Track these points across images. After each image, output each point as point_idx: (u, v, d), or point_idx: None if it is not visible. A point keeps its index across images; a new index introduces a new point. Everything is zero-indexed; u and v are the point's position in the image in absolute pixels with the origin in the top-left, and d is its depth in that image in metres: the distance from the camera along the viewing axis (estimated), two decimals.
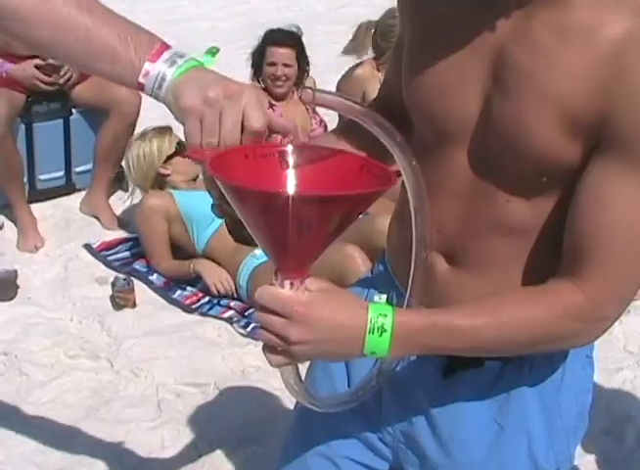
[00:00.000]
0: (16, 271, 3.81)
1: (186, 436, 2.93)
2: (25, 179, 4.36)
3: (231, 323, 3.57)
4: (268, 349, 1.16)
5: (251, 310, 3.61)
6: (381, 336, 1.13)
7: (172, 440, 2.92)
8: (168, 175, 4.04)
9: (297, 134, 4.12)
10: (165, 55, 1.17)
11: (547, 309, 1.18)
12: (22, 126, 4.34)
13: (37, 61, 4.16)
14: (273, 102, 4.33)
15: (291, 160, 1.20)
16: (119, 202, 4.61)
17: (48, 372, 3.27)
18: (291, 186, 1.19)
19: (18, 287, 3.78)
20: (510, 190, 1.24)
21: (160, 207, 3.84)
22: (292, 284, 1.14)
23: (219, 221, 3.64)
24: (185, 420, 3.00)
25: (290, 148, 1.21)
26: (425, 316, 1.18)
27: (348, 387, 1.46)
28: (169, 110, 1.19)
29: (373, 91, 4.41)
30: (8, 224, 4.34)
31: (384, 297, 1.23)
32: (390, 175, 1.16)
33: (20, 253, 4.12)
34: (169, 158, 4.01)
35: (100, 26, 1.18)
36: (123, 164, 4.22)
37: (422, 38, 1.31)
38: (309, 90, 1.17)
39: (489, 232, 1.28)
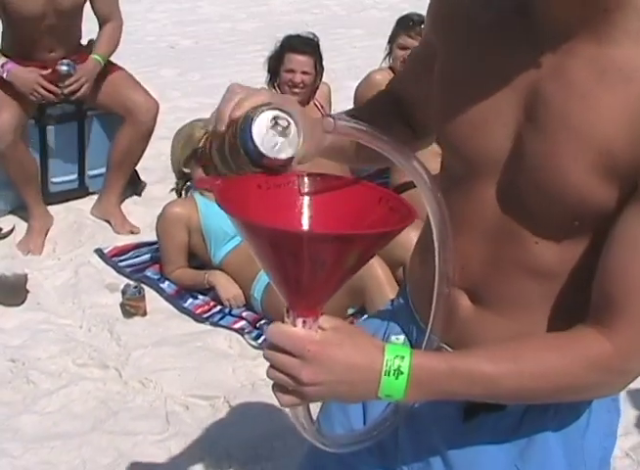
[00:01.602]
0: (26, 276, 3.76)
1: (194, 450, 2.88)
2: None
3: (242, 334, 3.52)
4: (278, 388, 1.10)
5: (262, 322, 3.56)
6: (397, 379, 1.08)
7: (180, 454, 2.86)
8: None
9: None
10: None
11: (573, 360, 1.12)
12: (36, 129, 4.30)
13: (45, 72, 4.09)
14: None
15: (306, 190, 1.14)
16: (134, 206, 4.57)
17: (55, 381, 3.22)
18: (306, 220, 1.13)
19: (27, 292, 3.74)
20: (539, 232, 1.20)
21: (183, 215, 3.76)
22: (304, 322, 1.09)
23: (238, 239, 3.60)
24: (193, 434, 2.95)
25: (305, 178, 1.15)
26: (444, 360, 1.12)
27: (364, 423, 1.40)
28: None
29: None
30: (22, 227, 4.29)
31: (401, 337, 1.19)
32: (410, 210, 1.11)
33: (31, 257, 4.07)
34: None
35: None
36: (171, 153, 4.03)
37: (455, 66, 1.26)
38: (330, 119, 1.11)
39: (515, 272, 1.24)
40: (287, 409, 1.17)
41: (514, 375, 1.12)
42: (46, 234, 4.24)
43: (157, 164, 4.91)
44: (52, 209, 4.42)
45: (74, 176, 4.53)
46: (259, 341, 3.44)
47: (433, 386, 1.11)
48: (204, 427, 2.98)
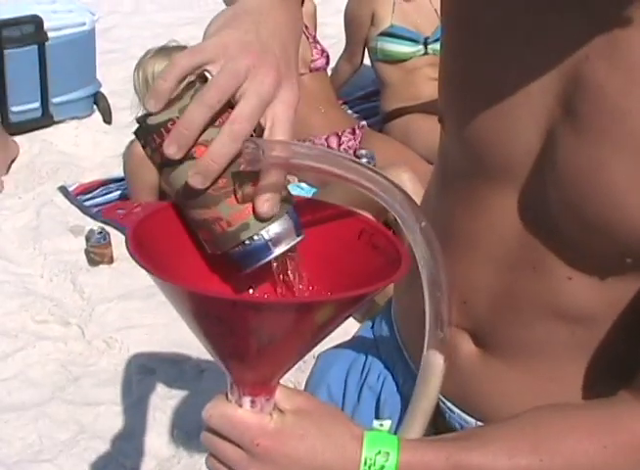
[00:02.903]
0: None
1: (161, 423, 2.62)
2: None
3: None
4: None
5: None
6: None
7: (145, 427, 2.60)
8: None
9: None
10: None
11: (617, 452, 0.83)
12: None
13: None
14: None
15: None
16: (103, 135, 4.24)
17: (12, 341, 2.95)
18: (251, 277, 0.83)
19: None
20: (574, 265, 0.89)
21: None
22: (253, 402, 0.80)
23: None
24: (160, 404, 2.68)
25: None
26: (444, 455, 0.82)
27: None
28: None
29: (384, 13, 3.97)
30: None
31: (387, 423, 0.92)
32: (400, 251, 0.80)
33: None
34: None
35: None
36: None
37: (471, 34, 0.93)
38: (253, 144, 0.75)
39: (537, 313, 0.94)
40: None
41: None
42: (8, 169, 3.92)
43: (128, 87, 4.53)
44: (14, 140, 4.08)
45: (37, 104, 4.16)
46: None
47: None
48: (172, 396, 2.72)
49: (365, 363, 1.18)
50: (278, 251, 0.80)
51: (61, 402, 2.70)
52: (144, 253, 0.74)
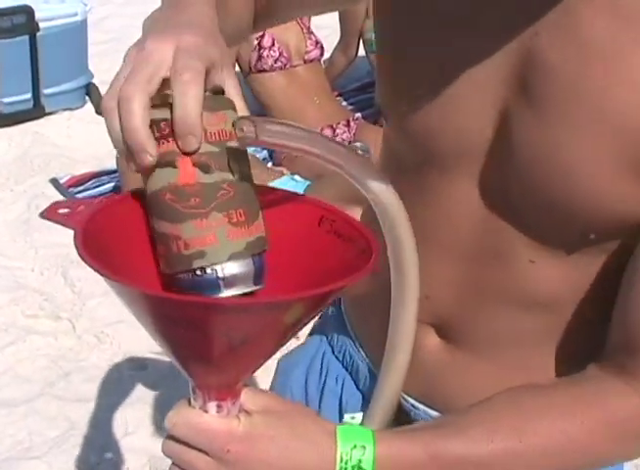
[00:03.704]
0: None
1: (153, 419, 2.59)
2: None
3: None
4: None
5: None
6: None
7: (137, 423, 2.57)
8: None
9: None
10: None
11: (595, 427, 0.82)
12: None
13: None
14: None
15: None
16: (95, 126, 4.18)
17: (2, 336, 2.91)
18: None
19: None
20: (535, 247, 0.87)
21: None
22: (219, 407, 0.76)
23: None
24: (152, 400, 2.65)
25: None
26: (421, 446, 0.79)
27: None
28: None
29: None
30: None
31: (358, 416, 0.88)
32: (369, 239, 0.75)
33: None
34: None
35: None
36: None
37: (408, 16, 0.89)
38: (249, 123, 0.69)
39: (501, 302, 0.92)
40: None
41: (517, 457, 0.81)
42: None
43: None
44: (5, 132, 4.04)
45: (28, 96, 4.11)
46: None
47: None
48: (164, 391, 2.67)
49: (322, 366, 1.16)
50: (227, 293, 0.73)
51: (51, 398, 2.66)
52: (96, 255, 0.69)
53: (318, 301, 0.73)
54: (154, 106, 0.69)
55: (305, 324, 0.75)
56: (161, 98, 0.70)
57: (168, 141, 0.70)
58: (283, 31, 3.78)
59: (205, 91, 0.70)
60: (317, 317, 1.23)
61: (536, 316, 0.92)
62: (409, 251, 0.78)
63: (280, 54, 3.79)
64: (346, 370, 1.13)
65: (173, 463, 0.78)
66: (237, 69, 3.90)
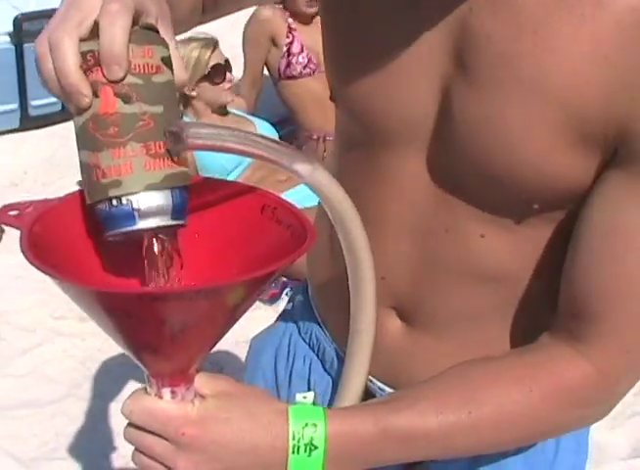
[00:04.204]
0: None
1: None
2: (17, 105, 3.97)
3: None
4: None
5: None
6: (310, 456, 0.79)
7: None
8: (193, 98, 3.49)
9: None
10: None
11: (544, 397, 0.83)
12: (12, 47, 3.91)
13: None
14: (294, 25, 3.84)
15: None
16: None
17: (30, 337, 2.94)
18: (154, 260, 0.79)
19: (3, 231, 3.41)
20: (484, 221, 0.88)
21: None
22: (173, 393, 0.78)
23: (237, 172, 3.26)
24: None
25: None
26: (371, 421, 0.81)
27: None
28: None
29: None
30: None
31: (309, 395, 0.92)
32: (306, 225, 0.77)
33: (9, 192, 3.74)
34: (200, 79, 3.47)
35: None
36: None
37: (349, 7, 0.91)
38: (177, 127, 0.72)
39: (455, 279, 0.93)
40: None
41: (468, 428, 0.82)
42: None
43: None
44: (34, 134, 4.08)
45: (57, 98, 4.13)
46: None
47: (360, 457, 0.83)
48: None
49: (289, 347, 1.18)
50: (143, 225, 0.73)
51: (77, 399, 2.68)
52: (41, 255, 0.70)
53: (255, 283, 0.73)
54: (82, 40, 0.70)
55: (249, 307, 0.76)
56: (91, 31, 0.70)
57: (94, 71, 0.70)
58: (311, 37, 3.79)
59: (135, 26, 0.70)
60: (287, 303, 1.26)
61: (490, 291, 0.93)
62: (356, 232, 0.80)
63: (309, 60, 3.79)
64: (313, 352, 1.15)
65: (135, 449, 0.80)
66: (266, 74, 3.93)
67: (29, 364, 2.82)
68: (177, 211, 0.74)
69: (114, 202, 0.72)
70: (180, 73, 0.73)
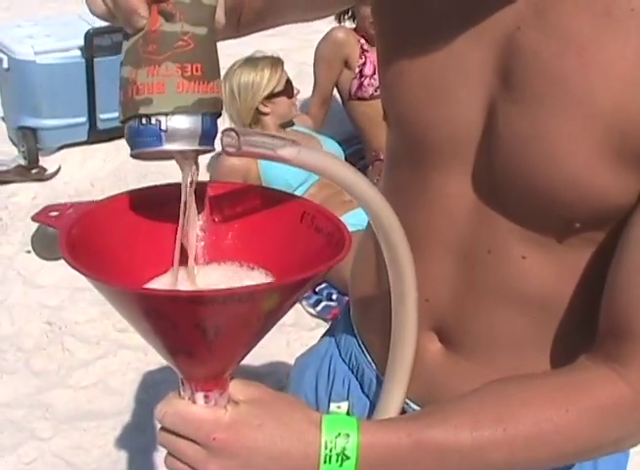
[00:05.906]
0: None
1: None
2: (85, 119, 4.01)
3: (299, 301, 3.19)
4: None
5: (323, 285, 3.22)
6: (341, 466, 0.79)
7: None
8: (267, 114, 3.51)
9: None
10: None
11: (580, 416, 0.82)
12: (83, 61, 3.95)
13: None
14: (366, 47, 3.84)
15: (199, 209, 0.83)
16: None
17: (93, 349, 2.95)
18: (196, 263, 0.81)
19: None
20: (526, 240, 0.88)
21: (241, 168, 3.33)
22: (206, 397, 0.78)
23: (303, 189, 3.25)
24: None
25: (198, 192, 0.81)
26: (405, 433, 0.81)
27: None
28: None
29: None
30: (69, 168, 3.98)
31: (344, 405, 0.95)
32: (344, 233, 0.77)
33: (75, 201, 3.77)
34: (273, 95, 3.49)
35: None
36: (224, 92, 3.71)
37: (401, 16, 0.93)
38: (233, 133, 0.72)
39: (496, 303, 0.93)
40: None
41: (502, 444, 0.81)
42: None
43: None
44: (101, 147, 4.12)
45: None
46: (318, 308, 3.11)
47: (391, 468, 0.82)
48: None
49: (330, 368, 1.18)
50: (168, 146, 0.72)
51: (140, 411, 2.69)
52: (79, 256, 0.70)
53: (291, 289, 0.73)
54: None
55: (284, 313, 0.76)
56: None
57: None
58: None
59: None
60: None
61: (530, 316, 0.92)
62: (401, 248, 0.82)
63: None
64: (352, 373, 1.15)
65: (168, 453, 0.80)
66: (336, 93, 3.93)
67: (93, 376, 2.84)
68: (206, 136, 0.73)
69: (144, 120, 0.72)
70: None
